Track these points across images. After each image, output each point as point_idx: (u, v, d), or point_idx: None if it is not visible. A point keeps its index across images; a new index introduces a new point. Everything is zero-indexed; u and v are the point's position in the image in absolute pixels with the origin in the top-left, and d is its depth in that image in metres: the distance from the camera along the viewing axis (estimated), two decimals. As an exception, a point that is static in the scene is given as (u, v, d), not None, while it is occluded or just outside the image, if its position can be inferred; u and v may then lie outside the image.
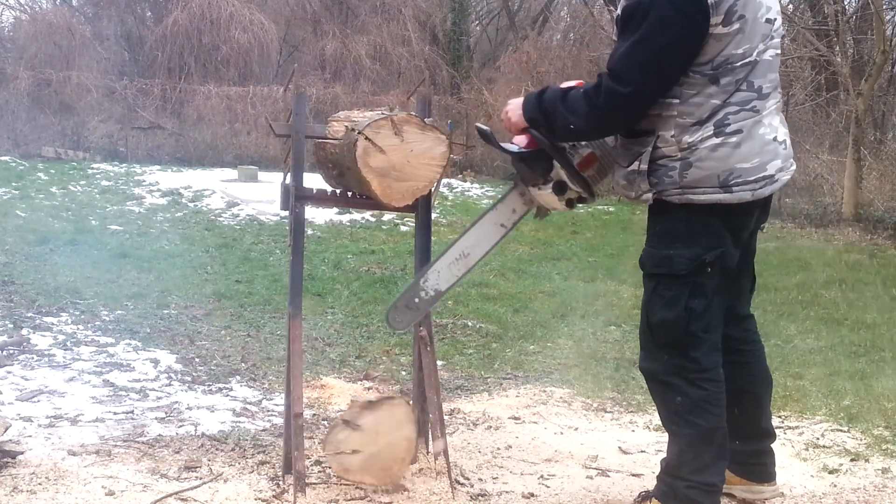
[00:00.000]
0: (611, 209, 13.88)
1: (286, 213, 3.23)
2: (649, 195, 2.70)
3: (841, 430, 4.02)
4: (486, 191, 15.79)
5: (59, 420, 3.76)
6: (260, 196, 12.24)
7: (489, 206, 3.17)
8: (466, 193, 15.28)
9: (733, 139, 2.61)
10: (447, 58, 22.33)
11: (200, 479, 3.14)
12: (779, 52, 2.74)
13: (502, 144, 2.96)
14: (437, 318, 5.91)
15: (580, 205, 2.96)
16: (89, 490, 2.99)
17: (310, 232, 9.53)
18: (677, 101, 2.62)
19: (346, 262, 8.29)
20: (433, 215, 3.56)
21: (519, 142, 2.93)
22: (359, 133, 2.86)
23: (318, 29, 22.08)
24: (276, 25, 21.07)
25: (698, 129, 2.61)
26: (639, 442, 3.77)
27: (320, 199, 3.27)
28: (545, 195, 2.93)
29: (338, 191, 3.31)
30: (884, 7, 13.30)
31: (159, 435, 3.63)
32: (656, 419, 4.06)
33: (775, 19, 2.70)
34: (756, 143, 2.64)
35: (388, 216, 11.02)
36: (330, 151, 3.22)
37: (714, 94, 2.61)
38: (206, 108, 18.68)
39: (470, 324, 6.04)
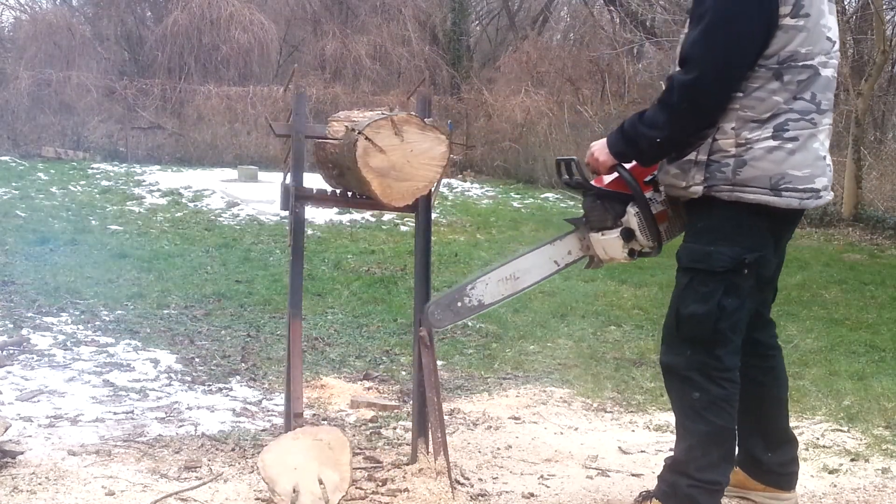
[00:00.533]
0: (611, 209, 13.89)
1: (286, 213, 3.23)
2: (699, 188, 2.70)
3: (841, 430, 4.02)
4: (486, 191, 15.79)
5: (59, 420, 3.76)
6: (260, 196, 12.24)
7: (549, 238, 3.18)
8: (466, 193, 15.28)
9: (789, 145, 2.64)
10: (447, 58, 22.32)
11: (200, 479, 3.14)
12: (836, 75, 2.77)
13: (589, 181, 2.93)
14: (437, 318, 5.90)
15: (638, 258, 2.96)
16: (89, 490, 2.99)
17: (310, 232, 9.53)
18: (741, 94, 2.64)
19: (346, 262, 8.29)
20: (433, 215, 3.56)
21: (600, 183, 2.93)
22: (359, 133, 2.86)
23: (318, 29, 22.08)
24: (276, 25, 21.06)
25: (758, 128, 2.63)
26: (639, 442, 3.77)
27: (320, 199, 3.27)
28: (609, 240, 2.93)
29: (338, 191, 3.31)
30: (884, 7, 13.29)
31: (159, 435, 3.63)
32: (656, 419, 4.07)
33: (835, 42, 2.72)
34: (809, 154, 2.67)
35: (388, 216, 11.02)
36: (330, 151, 3.22)
37: (777, 90, 2.63)
38: (206, 108, 18.68)
39: (470, 324, 6.04)
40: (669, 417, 4.12)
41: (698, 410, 2.74)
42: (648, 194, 2.90)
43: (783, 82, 2.62)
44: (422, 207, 3.27)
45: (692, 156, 2.71)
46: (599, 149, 2.89)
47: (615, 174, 2.90)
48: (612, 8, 20.56)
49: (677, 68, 2.71)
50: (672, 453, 2.93)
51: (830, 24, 2.70)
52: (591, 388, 4.63)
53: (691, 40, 2.62)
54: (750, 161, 2.63)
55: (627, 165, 2.90)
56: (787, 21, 2.58)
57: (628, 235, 2.89)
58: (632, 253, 2.93)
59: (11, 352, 4.76)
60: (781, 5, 2.57)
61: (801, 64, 2.62)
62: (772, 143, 2.63)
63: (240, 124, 18.58)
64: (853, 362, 5.37)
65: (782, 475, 3.05)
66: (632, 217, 2.89)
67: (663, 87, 2.71)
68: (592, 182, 2.96)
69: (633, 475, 3.38)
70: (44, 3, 23.20)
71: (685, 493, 2.75)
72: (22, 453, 3.22)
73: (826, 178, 2.73)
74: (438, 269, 7.82)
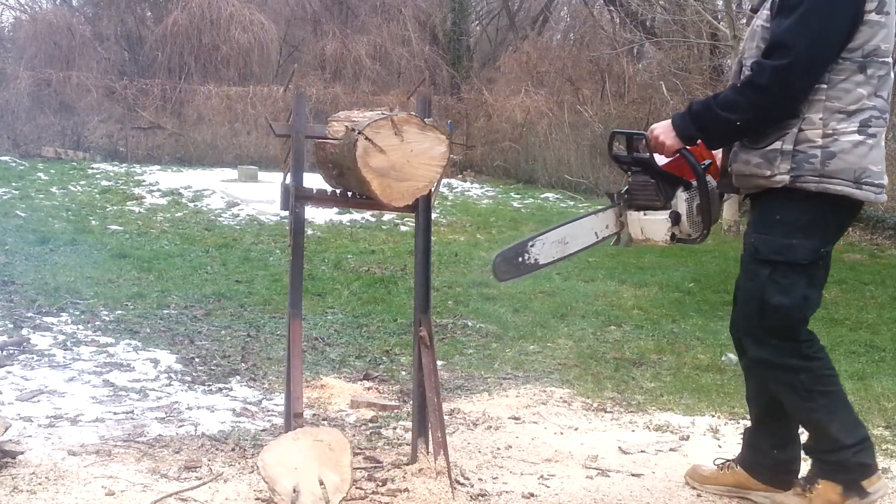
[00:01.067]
0: (611, 209, 13.89)
1: (286, 213, 3.23)
2: (785, 178, 2.73)
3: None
4: (486, 191, 15.79)
5: (59, 420, 3.75)
6: (260, 196, 12.24)
7: (594, 209, 3.21)
8: (466, 193, 15.28)
9: (870, 141, 2.71)
10: (447, 58, 22.33)
11: (200, 479, 3.14)
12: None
13: (652, 155, 2.92)
14: (437, 318, 5.91)
15: (676, 243, 2.97)
16: (89, 490, 2.99)
17: (310, 232, 9.54)
18: (825, 86, 2.69)
19: (346, 262, 8.29)
20: (433, 215, 3.56)
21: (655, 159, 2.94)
22: (359, 133, 2.86)
23: (318, 29, 22.08)
24: (276, 25, 21.06)
25: (845, 120, 2.69)
26: (639, 442, 3.77)
27: (320, 199, 3.26)
28: (652, 221, 2.94)
29: (338, 191, 3.30)
30: (884, 7, 13.27)
31: (159, 435, 3.63)
32: (656, 419, 4.07)
33: None
34: (881, 151, 2.76)
35: (388, 216, 11.02)
36: (330, 151, 3.22)
37: (861, 83, 2.68)
38: (206, 108, 18.68)
39: (470, 324, 6.04)
40: (669, 417, 4.13)
41: (810, 388, 2.79)
42: (708, 178, 2.92)
43: (867, 76, 2.68)
44: (422, 207, 3.27)
45: (777, 145, 2.73)
46: (664, 131, 2.89)
47: (676, 156, 2.89)
48: (612, 8, 20.56)
49: (749, 61, 2.74)
50: (809, 442, 2.95)
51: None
52: (591, 388, 4.63)
53: (785, 27, 2.65)
54: (838, 153, 2.69)
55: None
56: (873, 16, 2.64)
57: (676, 218, 2.90)
58: (673, 237, 2.94)
59: (11, 352, 4.76)
60: (868, 0, 2.63)
61: (881, 60, 2.69)
62: (857, 137, 2.69)
63: (240, 124, 18.59)
64: (853, 362, 5.38)
65: (785, 474, 3.06)
66: (682, 201, 2.89)
67: (749, 72, 2.73)
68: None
69: (633, 475, 3.38)
70: (44, 3, 23.21)
71: (854, 461, 2.79)
72: (22, 453, 3.21)
73: (886, 177, 2.81)
74: (438, 269, 7.82)
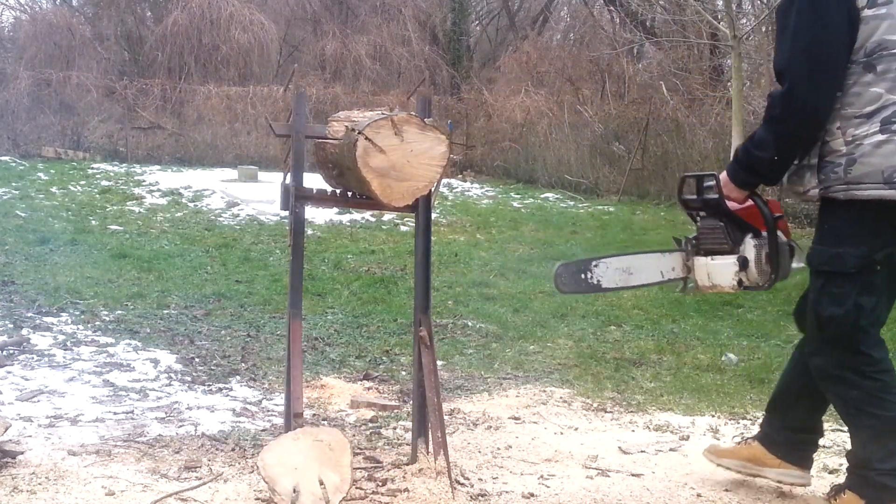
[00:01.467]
0: (611, 209, 13.89)
1: (286, 213, 3.23)
2: (815, 191, 2.73)
3: (841, 430, 4.00)
4: (486, 191, 15.79)
5: (59, 420, 3.75)
6: (260, 196, 12.24)
7: (663, 248, 3.23)
8: (466, 193, 15.28)
9: None
10: (447, 58, 22.34)
11: (200, 479, 3.14)
12: None
13: (722, 197, 2.93)
14: (437, 318, 5.91)
15: (742, 290, 2.96)
16: (89, 490, 2.99)
17: (310, 232, 9.53)
18: (839, 93, 2.65)
19: (346, 262, 8.29)
20: (433, 215, 3.56)
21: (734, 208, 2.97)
22: (359, 133, 2.86)
23: (318, 29, 22.09)
24: (276, 25, 21.07)
25: (864, 123, 2.64)
26: (639, 442, 3.77)
27: (320, 199, 3.26)
28: (719, 266, 2.94)
29: (338, 191, 3.30)
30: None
31: (159, 435, 3.63)
32: (656, 419, 4.07)
33: None
34: None
35: (388, 216, 11.02)
36: (330, 151, 3.22)
37: (872, 82, 2.63)
38: (206, 108, 18.68)
39: (470, 324, 6.04)
40: (669, 417, 4.13)
41: (860, 407, 2.77)
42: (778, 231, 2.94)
43: (877, 73, 2.62)
44: (422, 207, 3.27)
45: (805, 160, 2.74)
46: (726, 185, 2.92)
47: (748, 203, 2.93)
48: (612, 8, 20.56)
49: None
50: (851, 448, 2.94)
51: None
52: (591, 388, 4.63)
53: (780, 53, 2.68)
54: (860, 158, 2.64)
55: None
56: (866, 12, 2.60)
57: (743, 264, 2.90)
58: (740, 283, 2.93)
59: (11, 352, 4.76)
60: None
61: (891, 52, 2.61)
62: (880, 136, 2.62)
63: (240, 124, 18.60)
64: None
65: (802, 452, 3.07)
66: (750, 247, 2.89)
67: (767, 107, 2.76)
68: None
69: (633, 475, 3.38)
70: (44, 3, 23.23)
71: (877, 481, 2.77)
72: (22, 453, 3.21)
73: None
74: (438, 269, 7.82)
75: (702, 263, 2.98)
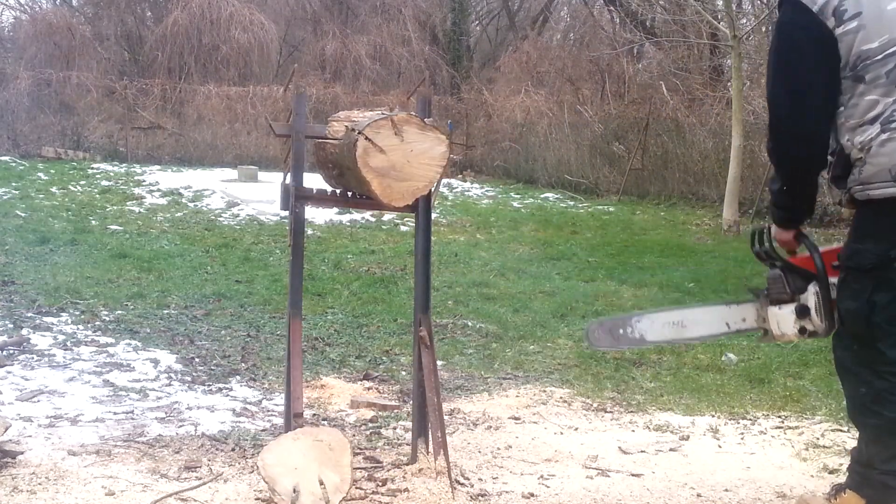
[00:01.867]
0: (611, 209, 13.89)
1: (286, 213, 3.23)
2: (843, 197, 2.81)
3: (841, 430, 4.01)
4: (486, 191, 15.79)
5: (59, 420, 3.75)
6: (260, 196, 12.24)
7: (727, 300, 3.29)
8: (466, 193, 15.28)
9: None
10: (447, 58, 22.34)
11: (200, 479, 3.14)
12: None
13: (772, 246, 3.03)
14: (437, 318, 5.91)
15: (807, 337, 3.01)
16: (89, 490, 2.99)
17: (310, 232, 9.53)
18: (841, 108, 2.71)
19: (346, 262, 8.29)
20: (433, 215, 3.56)
21: (790, 258, 3.05)
22: (359, 133, 2.86)
23: (318, 29, 22.10)
24: (276, 25, 21.08)
25: (867, 129, 2.68)
26: (639, 442, 3.76)
27: (320, 199, 3.26)
28: (783, 314, 2.98)
29: (338, 191, 3.30)
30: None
31: (159, 435, 3.63)
32: (656, 419, 4.07)
33: None
34: None
35: (388, 216, 11.03)
36: (330, 151, 3.22)
37: (865, 91, 2.66)
38: (206, 108, 18.69)
39: (470, 324, 6.04)
40: (669, 417, 4.13)
41: (866, 404, 2.79)
42: (833, 279, 2.93)
43: (867, 82, 2.65)
44: (422, 207, 3.27)
45: (828, 175, 2.82)
46: (774, 229, 3.00)
47: (806, 253, 2.99)
48: (612, 8, 20.57)
49: None
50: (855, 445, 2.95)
51: None
52: (591, 388, 4.62)
53: (767, 87, 2.75)
54: (868, 159, 2.68)
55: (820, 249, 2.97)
56: (838, 31, 2.63)
57: (803, 312, 2.93)
58: (802, 331, 2.96)
59: (11, 352, 4.76)
60: (825, 20, 2.63)
61: (879, 57, 2.63)
62: (883, 136, 2.66)
63: (240, 124, 18.60)
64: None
65: None
66: (811, 295, 2.93)
67: None
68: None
69: (633, 475, 3.38)
70: (44, 3, 23.25)
71: (878, 480, 2.78)
72: (22, 453, 3.21)
73: None
74: (438, 269, 7.82)
75: (771, 313, 3.03)
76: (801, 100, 2.71)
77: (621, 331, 3.17)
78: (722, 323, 3.16)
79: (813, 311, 2.92)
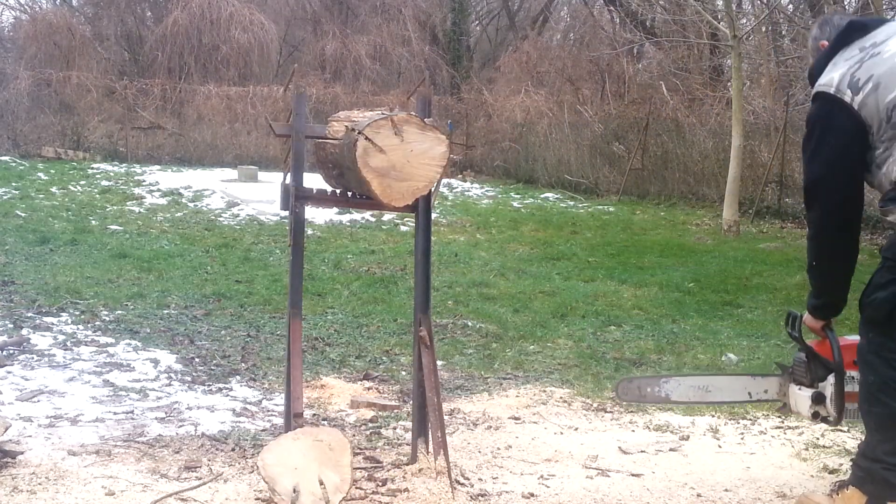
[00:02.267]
0: (611, 209, 13.89)
1: (286, 213, 3.23)
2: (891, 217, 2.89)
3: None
4: (486, 191, 15.79)
5: (59, 420, 3.75)
6: (260, 196, 12.24)
7: (753, 372, 3.63)
8: (466, 193, 15.29)
9: None
10: (447, 58, 22.34)
11: (200, 479, 3.14)
12: None
13: (801, 334, 3.21)
14: (437, 318, 5.91)
15: (820, 422, 3.18)
16: (89, 490, 2.99)
17: (310, 232, 9.53)
18: (890, 157, 2.79)
19: (346, 262, 8.29)
20: (433, 215, 3.56)
21: (816, 344, 3.20)
22: (359, 133, 2.86)
23: (318, 29, 22.10)
24: (276, 25, 21.08)
25: None
26: (639, 442, 3.77)
27: (320, 199, 3.27)
28: (800, 396, 3.20)
29: (338, 191, 3.30)
30: (884, 7, 13.29)
31: (159, 435, 3.63)
32: (656, 419, 4.07)
33: None
34: None
35: (388, 216, 11.03)
36: (330, 151, 3.22)
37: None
38: (206, 108, 18.69)
39: (470, 324, 6.04)
40: (669, 417, 4.13)
41: (874, 393, 2.82)
42: (851, 372, 3.09)
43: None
44: (422, 207, 3.27)
45: (881, 205, 2.91)
46: (805, 316, 3.15)
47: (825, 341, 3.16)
48: (612, 8, 20.57)
49: None
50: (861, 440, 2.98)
51: None
52: (591, 388, 4.62)
53: (803, 169, 2.95)
54: None
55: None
56: (857, 100, 2.76)
57: (818, 399, 3.12)
58: (815, 415, 3.15)
59: (11, 352, 4.76)
60: (844, 97, 2.77)
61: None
62: None
63: (240, 124, 18.60)
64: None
65: None
66: (828, 385, 3.11)
67: None
68: (809, 342, 3.22)
69: (633, 475, 3.38)
70: (44, 3, 23.26)
71: (881, 475, 2.80)
72: (22, 453, 3.22)
73: None
74: (438, 269, 7.82)
75: (792, 391, 3.26)
76: (833, 163, 2.84)
77: (649, 389, 3.42)
78: (745, 392, 3.42)
79: (828, 401, 3.11)
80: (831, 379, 3.09)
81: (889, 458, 2.79)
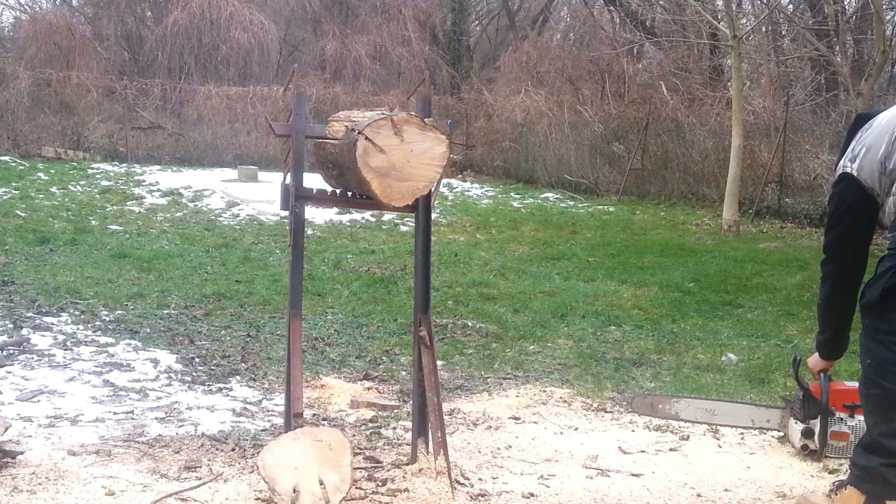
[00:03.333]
0: (611, 209, 13.89)
1: (286, 213, 3.23)
2: None
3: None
4: (486, 191, 15.79)
5: (59, 420, 3.76)
6: (260, 196, 12.24)
7: (759, 402, 4.08)
8: (466, 193, 15.28)
9: None
10: (447, 58, 22.35)
11: (200, 479, 3.14)
12: None
13: (797, 374, 3.62)
14: (437, 318, 5.91)
15: (808, 455, 3.56)
16: (89, 490, 2.99)
17: (310, 232, 9.54)
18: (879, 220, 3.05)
19: (346, 262, 8.29)
20: (433, 215, 3.56)
21: (812, 385, 3.59)
22: (359, 133, 2.86)
23: (318, 29, 22.11)
24: (276, 25, 21.09)
25: None
26: (639, 442, 3.77)
27: (320, 199, 3.27)
28: (795, 429, 3.64)
29: (338, 191, 3.30)
30: (884, 7, 13.29)
31: (159, 435, 3.63)
32: (656, 419, 4.07)
33: None
34: None
35: (388, 216, 11.03)
36: (330, 151, 3.22)
37: None
38: (206, 107, 18.69)
39: (470, 324, 6.04)
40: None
41: (870, 376, 2.88)
42: (841, 415, 3.54)
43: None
44: (422, 207, 3.27)
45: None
46: (812, 360, 3.45)
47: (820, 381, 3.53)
48: (612, 8, 20.57)
49: None
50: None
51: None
52: (591, 388, 4.62)
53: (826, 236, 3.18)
54: None
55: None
56: (855, 167, 2.96)
57: (808, 434, 3.56)
58: (805, 447, 3.55)
59: (11, 352, 4.76)
60: (853, 172, 2.96)
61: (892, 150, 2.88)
62: None
63: (240, 124, 18.60)
64: (853, 362, 5.35)
65: None
66: (818, 423, 3.54)
67: None
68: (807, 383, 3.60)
69: (633, 475, 3.38)
70: (44, 3, 23.26)
71: (879, 472, 2.81)
72: (22, 453, 3.22)
73: None
74: (438, 269, 7.82)
75: (790, 424, 3.69)
76: (844, 232, 3.09)
77: (661, 405, 3.85)
78: (748, 419, 3.80)
79: (817, 436, 3.53)
80: (820, 419, 3.50)
81: (886, 441, 2.83)
